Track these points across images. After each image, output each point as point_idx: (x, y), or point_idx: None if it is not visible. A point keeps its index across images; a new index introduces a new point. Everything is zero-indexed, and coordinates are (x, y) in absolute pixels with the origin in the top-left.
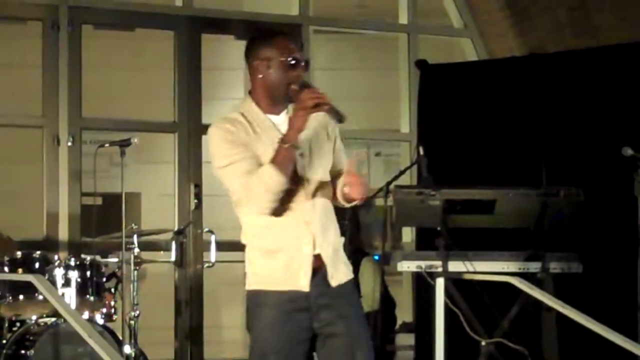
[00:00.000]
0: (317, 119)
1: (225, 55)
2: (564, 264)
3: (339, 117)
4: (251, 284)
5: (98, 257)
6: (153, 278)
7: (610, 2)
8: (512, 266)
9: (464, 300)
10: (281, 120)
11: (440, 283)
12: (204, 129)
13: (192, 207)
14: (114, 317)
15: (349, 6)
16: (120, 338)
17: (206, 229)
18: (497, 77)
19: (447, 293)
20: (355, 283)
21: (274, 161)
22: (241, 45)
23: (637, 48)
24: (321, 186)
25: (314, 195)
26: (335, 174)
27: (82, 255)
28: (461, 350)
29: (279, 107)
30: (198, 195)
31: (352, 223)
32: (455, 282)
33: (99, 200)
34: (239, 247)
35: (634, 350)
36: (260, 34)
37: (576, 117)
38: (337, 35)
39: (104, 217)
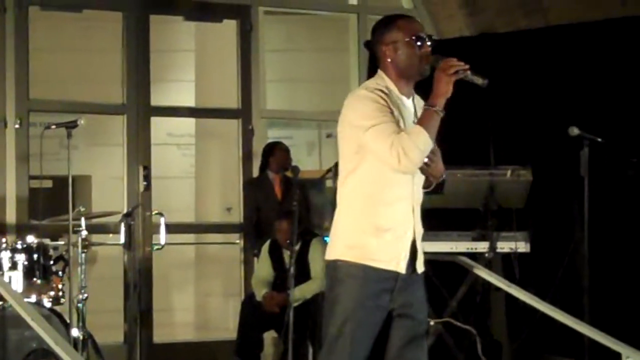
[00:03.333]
0: (420, 103)
1: (175, 37)
2: (512, 243)
3: (481, 80)
4: (346, 255)
5: (46, 240)
6: (102, 261)
7: None
8: (460, 246)
9: None
10: (409, 104)
11: None
12: (153, 110)
13: (141, 189)
14: (62, 300)
15: None
16: (68, 321)
17: (155, 212)
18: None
19: None
20: (304, 264)
21: (421, 123)
22: (190, 26)
23: (586, 28)
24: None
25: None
26: None
27: (29, 239)
28: None
29: (409, 89)
30: (147, 178)
31: (302, 204)
32: None
33: (47, 183)
34: (188, 229)
35: (579, 329)
36: (381, 21)
37: (524, 97)
38: (288, 17)
39: (55, 200)
